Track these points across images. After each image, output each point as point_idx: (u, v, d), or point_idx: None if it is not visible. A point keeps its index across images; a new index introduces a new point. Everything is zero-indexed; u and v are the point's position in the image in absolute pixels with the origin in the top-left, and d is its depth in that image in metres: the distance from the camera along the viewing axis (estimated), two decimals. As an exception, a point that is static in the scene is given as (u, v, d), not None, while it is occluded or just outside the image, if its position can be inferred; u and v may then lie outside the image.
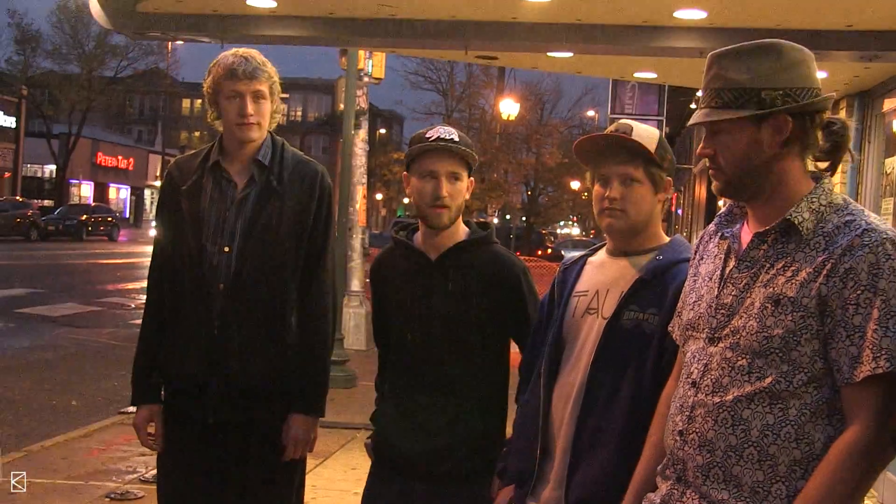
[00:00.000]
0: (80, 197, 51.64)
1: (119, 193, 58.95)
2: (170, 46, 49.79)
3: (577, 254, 2.69)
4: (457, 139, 2.78)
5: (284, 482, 3.06)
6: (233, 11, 5.84)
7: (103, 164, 54.95)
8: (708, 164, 2.05)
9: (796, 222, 1.90)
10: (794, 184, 1.96)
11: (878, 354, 1.76)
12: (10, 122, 44.07)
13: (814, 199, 1.93)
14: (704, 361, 1.98)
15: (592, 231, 63.70)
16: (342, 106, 10.85)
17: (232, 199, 3.00)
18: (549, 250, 38.45)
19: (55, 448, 6.37)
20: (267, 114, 3.00)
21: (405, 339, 2.87)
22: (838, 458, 1.79)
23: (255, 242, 2.96)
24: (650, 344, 2.33)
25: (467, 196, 2.85)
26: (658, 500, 2.06)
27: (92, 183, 54.37)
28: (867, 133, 6.87)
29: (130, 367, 3.12)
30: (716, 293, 2.01)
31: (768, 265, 1.93)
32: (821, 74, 2.02)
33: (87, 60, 48.07)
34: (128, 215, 56.28)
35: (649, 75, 8.36)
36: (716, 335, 1.98)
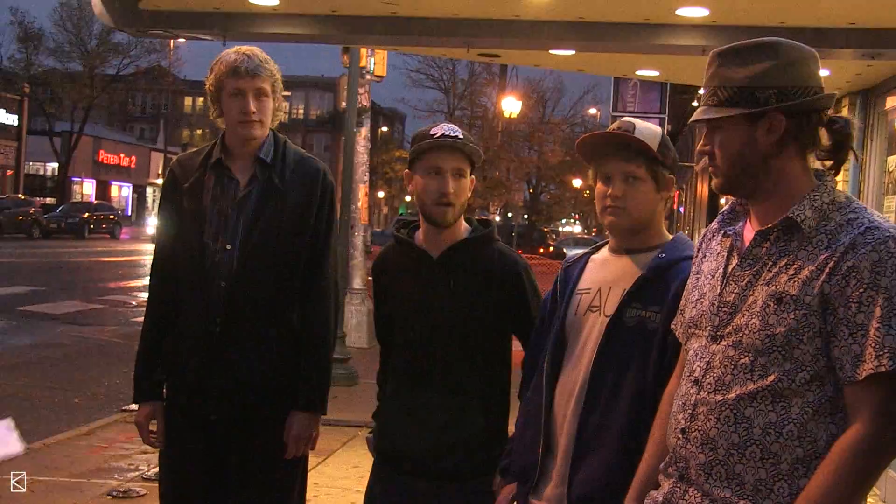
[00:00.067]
0: (82, 195, 51.65)
1: (121, 191, 58.96)
2: (172, 44, 49.78)
3: (579, 252, 2.69)
4: (461, 136, 2.78)
5: (286, 480, 3.06)
6: (235, 9, 5.84)
7: (105, 161, 54.97)
8: (707, 162, 2.05)
9: (798, 220, 1.90)
10: (794, 182, 1.96)
11: (881, 353, 1.76)
12: (12, 119, 44.07)
13: (816, 197, 1.93)
14: (707, 359, 1.98)
15: (594, 229, 63.69)
16: (344, 104, 10.86)
17: (234, 197, 3.00)
18: (551, 248, 38.43)
19: (57, 446, 6.38)
20: (269, 111, 3.00)
21: (407, 336, 2.87)
22: (841, 456, 1.79)
23: (257, 240, 2.96)
24: (652, 341, 2.33)
25: (469, 194, 2.85)
26: (660, 498, 2.06)
27: (94, 181, 54.40)
28: (869, 131, 6.86)
29: (132, 365, 3.12)
30: (718, 291, 2.01)
31: (771, 263, 1.93)
32: (823, 72, 2.02)
33: (90, 58, 48.08)
34: (130, 213, 56.28)
35: (651, 73, 8.35)
36: (718, 333, 1.98)
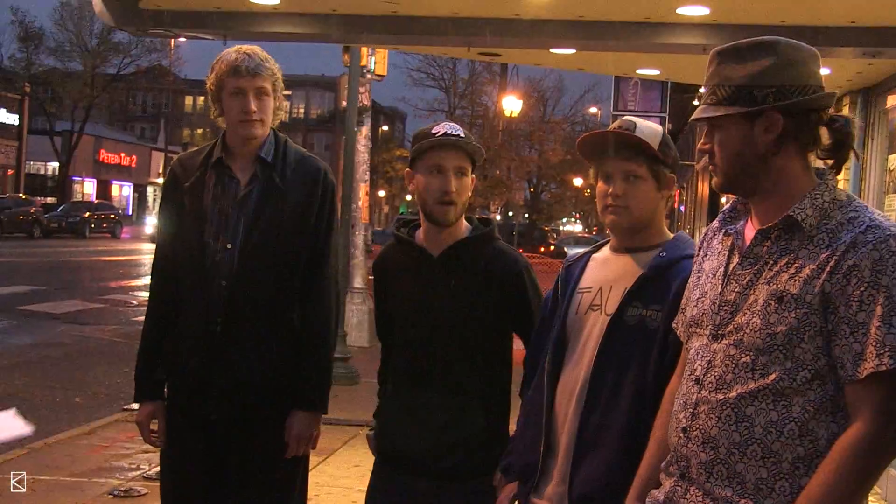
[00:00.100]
0: (82, 194, 51.63)
1: (122, 191, 58.95)
2: (172, 43, 49.73)
3: (580, 250, 2.69)
4: (463, 135, 2.78)
5: (287, 479, 3.06)
6: (236, 8, 5.84)
7: (106, 161, 54.96)
8: (708, 161, 2.06)
9: (799, 219, 1.90)
10: (794, 180, 1.96)
11: (882, 351, 1.76)
12: (13, 119, 44.08)
13: (817, 196, 1.93)
14: (708, 358, 1.98)
15: (595, 228, 63.66)
16: (345, 103, 10.85)
17: (235, 196, 3.00)
18: (552, 247, 38.43)
19: (58, 445, 6.38)
20: (270, 111, 3.01)
21: (407, 336, 2.87)
22: (842, 455, 1.79)
23: (258, 239, 2.96)
24: (653, 340, 2.33)
25: (470, 193, 2.85)
26: (662, 497, 2.06)
27: (95, 180, 54.38)
28: (870, 130, 6.86)
29: (133, 364, 3.13)
30: (719, 290, 2.01)
31: (771, 262, 1.93)
32: (823, 71, 2.02)
33: (90, 57, 48.08)
34: (130, 212, 56.28)
35: (652, 72, 8.34)
36: (719, 332, 1.98)
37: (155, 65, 54.35)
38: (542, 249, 35.40)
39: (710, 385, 1.96)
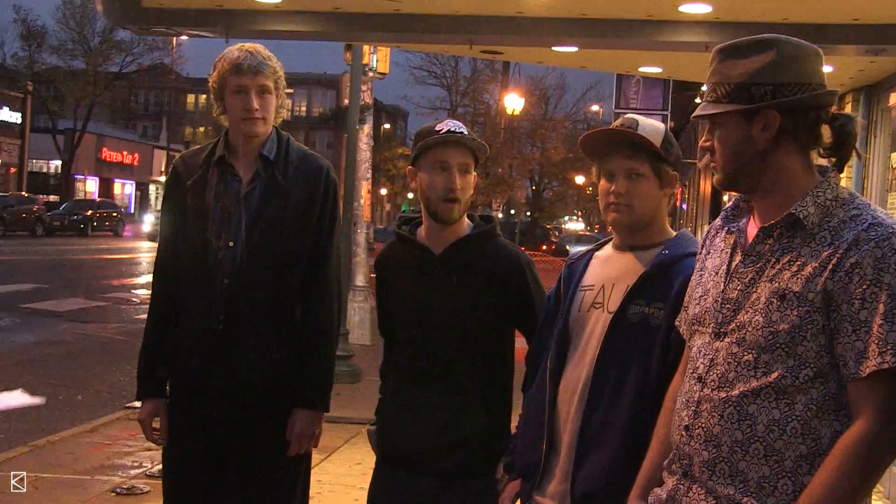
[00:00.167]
0: (85, 192, 51.68)
1: (124, 189, 58.99)
2: (174, 42, 49.75)
3: (583, 248, 2.69)
4: (466, 132, 2.78)
5: (289, 477, 3.06)
6: (238, 6, 5.84)
7: (108, 159, 55.00)
8: (709, 158, 2.05)
9: (801, 217, 1.90)
10: (794, 178, 1.96)
11: (884, 349, 1.76)
12: (15, 117, 44.11)
13: (819, 194, 1.93)
14: (710, 356, 1.98)
15: (597, 226, 63.68)
16: (347, 101, 10.85)
17: (237, 194, 3.00)
18: (554, 245, 38.42)
19: (61, 443, 6.39)
20: (272, 108, 3.01)
21: (409, 334, 2.87)
22: (844, 453, 1.78)
23: (260, 237, 2.96)
24: (656, 338, 2.33)
25: (472, 191, 2.85)
26: (664, 495, 2.06)
27: (97, 178, 54.43)
28: (873, 127, 6.85)
29: (135, 362, 3.13)
30: (722, 288, 2.01)
31: (774, 260, 1.93)
32: (826, 69, 2.01)
33: (93, 56, 48.07)
34: (133, 211, 56.32)
35: (654, 70, 8.33)
36: (722, 330, 1.97)
37: (157, 63, 54.33)
38: (544, 247, 35.38)
39: (712, 383, 1.96)
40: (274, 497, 3.03)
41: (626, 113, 2.79)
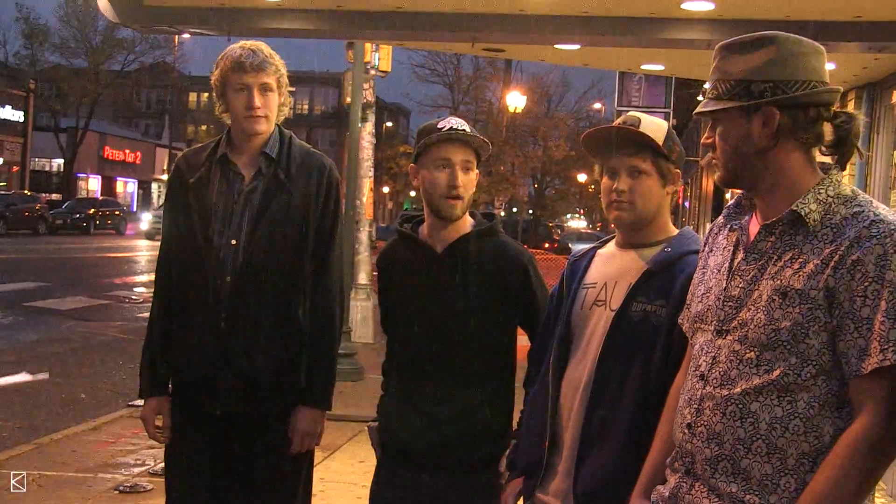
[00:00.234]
0: (87, 191, 51.72)
1: (126, 187, 58.99)
2: (177, 40, 49.74)
3: (585, 246, 2.69)
4: (468, 130, 2.78)
5: (292, 475, 3.07)
6: (240, 4, 5.85)
7: (111, 157, 55.00)
8: (711, 155, 2.05)
9: (803, 214, 1.90)
10: (795, 176, 1.96)
11: (886, 346, 1.76)
12: (18, 116, 44.13)
13: (821, 191, 1.92)
14: (713, 354, 1.98)
15: (599, 224, 63.65)
16: (349, 99, 10.84)
17: (239, 192, 3.00)
18: (556, 243, 38.42)
19: (64, 441, 6.40)
20: (274, 106, 3.01)
21: (411, 331, 2.87)
22: (846, 450, 1.78)
23: (263, 235, 2.96)
24: (658, 335, 2.33)
25: (474, 188, 2.85)
26: (667, 493, 2.06)
27: (99, 177, 54.44)
28: (876, 125, 6.85)
29: (138, 360, 3.13)
30: (724, 285, 2.00)
31: (776, 257, 1.93)
32: (829, 66, 2.01)
33: (95, 54, 48.07)
34: (135, 209, 56.32)
35: (657, 67, 8.34)
36: (724, 328, 1.97)
37: (159, 61, 54.35)
38: (546, 245, 35.42)
39: (714, 381, 1.96)
40: (276, 495, 3.04)
41: (628, 110, 2.79)
